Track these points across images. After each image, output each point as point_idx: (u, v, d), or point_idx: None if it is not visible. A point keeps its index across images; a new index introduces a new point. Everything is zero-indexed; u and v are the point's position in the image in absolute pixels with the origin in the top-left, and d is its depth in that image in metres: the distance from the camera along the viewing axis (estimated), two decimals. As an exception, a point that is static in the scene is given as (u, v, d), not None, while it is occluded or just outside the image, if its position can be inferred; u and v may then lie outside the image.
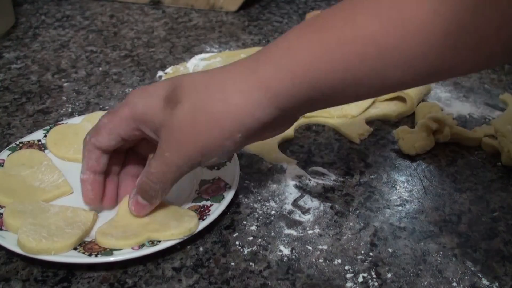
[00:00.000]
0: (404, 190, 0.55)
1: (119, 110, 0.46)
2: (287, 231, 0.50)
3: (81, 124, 0.61)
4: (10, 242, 0.45)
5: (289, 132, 0.62)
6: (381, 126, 0.65)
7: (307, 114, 0.65)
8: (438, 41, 0.37)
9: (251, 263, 0.46)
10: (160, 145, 0.44)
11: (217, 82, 0.43)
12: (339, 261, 0.46)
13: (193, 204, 0.50)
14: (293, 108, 0.42)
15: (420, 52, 0.38)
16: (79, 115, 0.66)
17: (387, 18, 0.38)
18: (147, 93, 0.45)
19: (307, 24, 0.43)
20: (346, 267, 0.46)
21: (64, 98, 0.71)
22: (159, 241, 0.46)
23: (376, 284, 0.44)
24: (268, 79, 0.41)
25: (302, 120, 0.65)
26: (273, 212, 0.52)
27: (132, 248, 0.45)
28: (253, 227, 0.50)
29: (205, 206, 0.49)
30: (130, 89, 0.72)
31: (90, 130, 0.49)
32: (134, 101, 0.45)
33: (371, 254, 0.47)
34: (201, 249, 0.48)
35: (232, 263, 0.46)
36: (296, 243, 0.48)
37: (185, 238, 0.46)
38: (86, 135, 0.49)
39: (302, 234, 0.49)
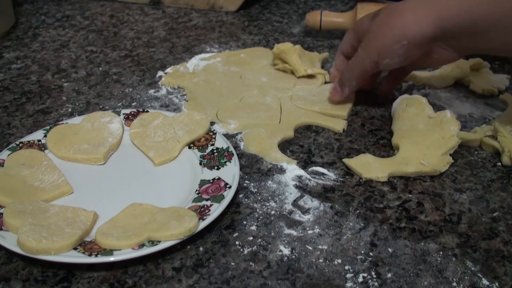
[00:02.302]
0: (404, 190, 0.55)
1: (352, 28, 0.67)
2: (287, 231, 0.50)
3: (81, 124, 0.61)
4: (10, 242, 0.45)
5: (289, 132, 0.63)
6: (381, 126, 0.65)
7: (309, 120, 0.65)
8: None
9: (251, 263, 0.46)
10: (359, 47, 0.62)
11: (405, 4, 0.57)
12: (339, 261, 0.46)
13: (193, 204, 0.50)
14: (453, 34, 0.55)
15: None
16: (79, 115, 0.66)
17: None
18: (367, 14, 0.64)
19: None
20: (346, 267, 0.46)
21: (64, 98, 0.71)
22: (159, 241, 0.46)
23: (376, 284, 0.44)
24: (439, 4, 0.54)
25: (302, 120, 0.65)
26: (273, 212, 0.52)
27: (132, 248, 0.45)
28: (253, 227, 0.50)
29: (205, 206, 0.49)
30: (130, 89, 0.73)
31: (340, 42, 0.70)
32: (360, 19, 0.65)
33: (371, 254, 0.47)
34: (201, 249, 0.48)
35: (232, 263, 0.46)
36: (296, 243, 0.48)
37: (185, 238, 0.46)
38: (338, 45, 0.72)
39: (302, 234, 0.49)
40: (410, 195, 0.54)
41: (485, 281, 0.45)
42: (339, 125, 0.64)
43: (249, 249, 0.48)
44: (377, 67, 0.61)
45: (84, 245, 0.46)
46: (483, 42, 0.54)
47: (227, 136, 0.62)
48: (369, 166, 0.56)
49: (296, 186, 0.55)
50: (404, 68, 0.66)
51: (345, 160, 0.58)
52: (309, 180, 0.56)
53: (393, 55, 0.58)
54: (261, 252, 0.47)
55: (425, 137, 0.58)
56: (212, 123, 0.64)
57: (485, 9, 0.51)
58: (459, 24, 0.53)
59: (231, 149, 0.57)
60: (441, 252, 0.47)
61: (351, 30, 0.67)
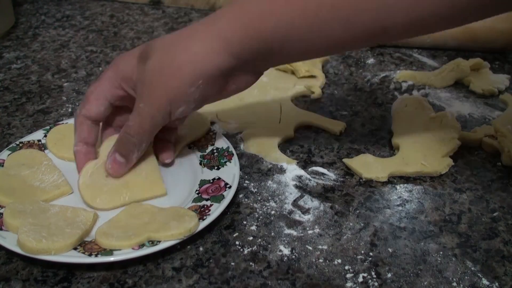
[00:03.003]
0: (404, 190, 0.55)
1: (103, 74, 0.51)
2: (287, 231, 0.50)
3: (81, 124, 0.61)
4: (10, 242, 0.45)
5: (289, 132, 0.63)
6: (381, 126, 0.65)
7: (308, 120, 0.65)
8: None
9: (251, 263, 0.46)
10: (136, 99, 0.49)
11: (182, 37, 0.47)
12: (339, 261, 0.46)
13: (193, 204, 0.50)
14: (248, 59, 0.47)
15: (357, 10, 0.43)
16: (79, 115, 0.66)
17: None
18: (126, 55, 0.51)
19: None
20: (346, 267, 0.46)
21: (64, 98, 0.71)
22: (159, 241, 0.46)
23: (376, 284, 0.44)
24: (225, 30, 0.46)
25: (302, 120, 0.65)
26: (273, 212, 0.52)
27: (132, 248, 0.45)
28: (253, 227, 0.50)
29: (205, 206, 0.49)
30: (130, 89, 0.73)
31: (80, 103, 0.52)
32: (115, 63, 0.51)
33: (371, 254, 0.47)
34: (201, 249, 0.48)
35: (232, 263, 0.46)
36: (296, 243, 0.48)
37: (185, 238, 0.46)
38: (77, 109, 0.53)
39: (302, 234, 0.49)
40: (410, 195, 0.54)
41: (485, 281, 0.45)
42: (337, 127, 0.64)
43: (249, 249, 0.48)
44: (170, 119, 0.49)
45: (84, 245, 0.46)
46: (280, 58, 0.49)
47: (227, 136, 0.62)
48: (369, 166, 0.56)
49: (296, 186, 0.55)
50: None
51: (345, 160, 0.58)
52: (309, 180, 0.56)
53: (189, 100, 0.47)
54: (261, 252, 0.47)
55: (425, 138, 0.58)
56: (212, 123, 0.64)
57: (272, 27, 0.45)
58: (251, 48, 0.46)
59: (231, 149, 0.57)
60: (441, 252, 0.47)
61: (101, 78, 0.51)
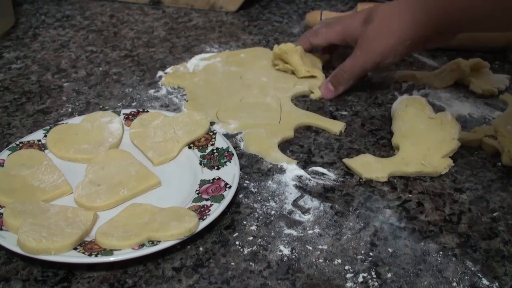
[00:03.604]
0: (404, 190, 0.55)
1: (336, 26, 0.72)
2: (287, 231, 0.50)
3: (81, 124, 0.61)
4: (10, 242, 0.45)
5: (289, 132, 0.63)
6: (381, 126, 0.65)
7: (308, 120, 0.65)
8: None
9: (251, 263, 0.46)
10: (355, 49, 0.68)
11: (396, 9, 0.64)
12: (339, 261, 0.46)
13: (193, 204, 0.50)
14: (445, 26, 0.61)
15: None
16: (79, 115, 0.66)
17: None
18: (353, 18, 0.70)
19: None
20: (346, 267, 0.46)
21: (64, 98, 0.71)
22: (159, 241, 0.46)
23: (376, 284, 0.44)
24: (428, 7, 0.61)
25: (302, 120, 0.65)
26: (273, 212, 0.52)
27: (132, 248, 0.45)
28: (253, 227, 0.50)
29: (205, 206, 0.49)
30: (130, 89, 0.73)
31: (309, 31, 0.76)
32: (345, 21, 0.71)
33: (371, 254, 0.47)
34: (201, 249, 0.48)
35: (232, 263, 0.46)
36: (296, 243, 0.48)
37: (185, 238, 0.46)
38: (304, 34, 0.76)
39: (302, 234, 0.49)
40: (410, 195, 0.54)
41: (485, 281, 0.45)
42: (337, 127, 0.64)
43: (249, 249, 0.48)
44: (378, 67, 0.67)
45: (84, 245, 0.46)
46: (482, 28, 0.63)
47: (227, 136, 0.62)
48: (369, 166, 0.56)
49: (296, 186, 0.55)
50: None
51: (345, 160, 0.58)
52: (309, 180, 0.56)
53: (396, 55, 0.65)
54: (261, 252, 0.47)
55: (425, 138, 0.58)
56: (212, 123, 0.64)
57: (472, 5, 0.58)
58: (458, 19, 0.59)
59: (231, 149, 0.57)
60: (441, 252, 0.47)
61: (332, 27, 0.72)
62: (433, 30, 0.62)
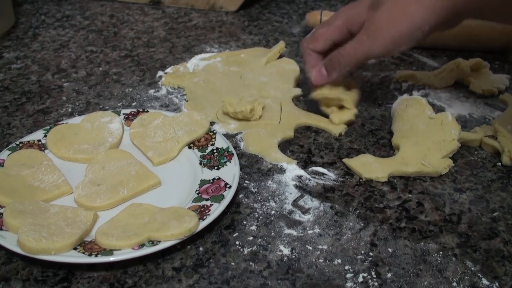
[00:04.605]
0: (404, 190, 0.55)
1: (334, 22, 0.62)
2: (287, 231, 0.50)
3: (81, 124, 0.61)
4: (10, 242, 0.45)
5: (289, 132, 0.62)
6: (381, 126, 0.65)
7: (308, 121, 0.65)
8: None
9: (251, 263, 0.46)
10: (360, 32, 0.59)
11: None
12: (339, 261, 0.46)
13: (193, 204, 0.50)
14: (463, 11, 0.55)
15: None
16: (79, 115, 0.66)
17: None
18: (353, 6, 0.61)
19: None
20: (346, 267, 0.46)
21: (64, 98, 0.71)
22: (159, 241, 0.46)
23: (376, 284, 0.44)
24: None
25: (302, 120, 0.65)
26: (273, 212, 0.52)
27: (132, 248, 0.45)
28: (253, 227, 0.50)
29: (205, 206, 0.49)
30: (130, 89, 0.73)
31: (306, 37, 0.64)
32: (345, 13, 0.61)
33: (371, 254, 0.47)
34: (201, 249, 0.48)
35: (232, 263, 0.46)
36: (296, 243, 0.48)
37: (185, 238, 0.46)
38: (303, 42, 0.64)
39: (302, 234, 0.49)
40: (410, 195, 0.54)
41: (485, 281, 0.45)
42: (337, 129, 0.63)
43: (249, 249, 0.48)
44: (387, 55, 0.62)
45: (84, 245, 0.46)
46: (499, 16, 0.56)
47: (227, 136, 0.62)
48: (369, 166, 0.56)
49: (296, 186, 0.55)
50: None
51: (345, 160, 0.58)
52: (309, 180, 0.56)
53: (411, 41, 0.58)
54: (261, 252, 0.47)
55: (425, 138, 0.58)
56: (212, 123, 0.64)
57: None
58: (476, 4, 0.54)
59: (231, 149, 0.57)
60: (441, 252, 0.47)
61: (331, 24, 0.63)
62: (453, 14, 0.56)
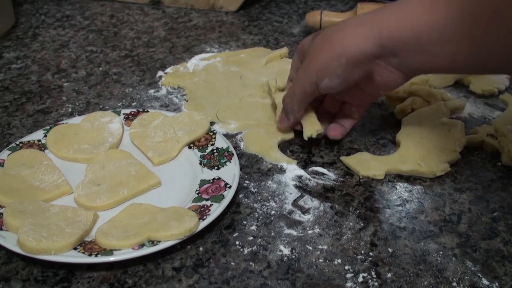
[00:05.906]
0: (404, 190, 0.55)
1: (292, 62, 0.62)
2: (287, 231, 0.50)
3: (81, 124, 0.61)
4: (10, 242, 0.45)
5: (289, 132, 0.62)
6: (381, 126, 0.65)
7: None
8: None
9: (251, 263, 0.46)
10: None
11: (346, 23, 0.54)
12: (339, 261, 0.46)
13: (193, 204, 0.50)
14: (393, 49, 0.50)
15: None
16: (79, 115, 0.66)
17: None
18: (308, 37, 0.59)
19: None
20: (346, 267, 0.46)
21: (64, 98, 0.71)
22: (159, 241, 0.46)
23: (376, 284, 0.44)
24: (380, 20, 0.51)
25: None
26: (273, 212, 0.52)
27: (132, 248, 0.45)
28: (253, 227, 0.50)
29: (205, 206, 0.49)
30: (130, 89, 0.73)
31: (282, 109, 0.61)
32: (303, 41, 0.60)
33: (371, 254, 0.47)
34: (201, 249, 0.48)
35: (232, 263, 0.46)
36: (296, 243, 0.48)
37: (185, 238, 0.46)
38: (283, 112, 0.61)
39: (302, 234, 0.49)
40: (410, 195, 0.54)
41: (485, 281, 0.45)
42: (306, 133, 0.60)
43: (249, 249, 0.48)
44: (318, 90, 0.55)
45: (84, 245, 0.46)
46: (427, 58, 0.50)
47: (227, 136, 0.62)
48: (366, 163, 0.56)
49: (296, 186, 0.55)
50: (340, 102, 0.61)
51: (343, 158, 0.58)
52: (309, 180, 0.56)
53: (332, 74, 0.53)
54: (261, 252, 0.47)
55: (428, 141, 0.58)
56: (212, 123, 0.64)
57: (426, 20, 0.48)
58: (400, 37, 0.49)
59: (231, 149, 0.57)
60: (441, 252, 0.47)
61: (295, 53, 0.61)
62: (376, 50, 0.51)
